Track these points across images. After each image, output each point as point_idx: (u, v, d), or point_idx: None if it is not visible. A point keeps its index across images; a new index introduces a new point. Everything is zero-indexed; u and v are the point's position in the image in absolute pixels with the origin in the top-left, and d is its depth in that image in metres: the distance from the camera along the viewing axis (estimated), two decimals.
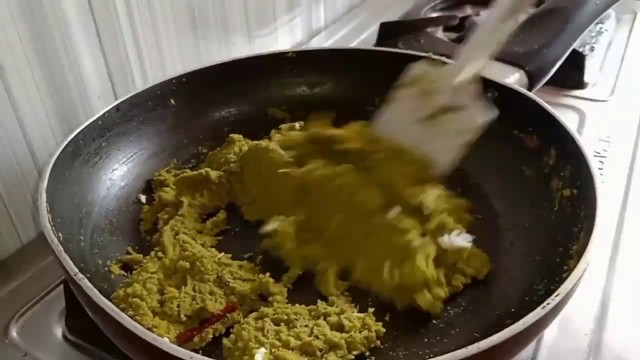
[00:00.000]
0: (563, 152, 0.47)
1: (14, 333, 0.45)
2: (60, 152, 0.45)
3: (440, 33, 0.86)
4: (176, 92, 0.56)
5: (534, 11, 0.68)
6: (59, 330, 0.45)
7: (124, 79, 0.60)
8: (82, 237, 0.44)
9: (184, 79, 0.56)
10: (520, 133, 0.51)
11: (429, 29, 0.86)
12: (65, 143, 0.46)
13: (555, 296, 0.33)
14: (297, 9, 0.86)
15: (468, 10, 0.95)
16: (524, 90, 0.53)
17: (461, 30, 0.87)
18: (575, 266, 0.35)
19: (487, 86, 0.52)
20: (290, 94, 0.62)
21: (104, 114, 0.50)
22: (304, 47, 0.87)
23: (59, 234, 0.39)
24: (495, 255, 0.45)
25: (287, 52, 0.61)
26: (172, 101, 0.56)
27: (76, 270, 0.36)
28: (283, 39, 0.84)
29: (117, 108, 0.51)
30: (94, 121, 0.49)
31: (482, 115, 0.46)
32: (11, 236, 0.53)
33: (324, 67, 0.62)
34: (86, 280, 0.35)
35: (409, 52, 0.61)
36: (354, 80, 0.61)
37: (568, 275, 0.35)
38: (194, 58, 0.68)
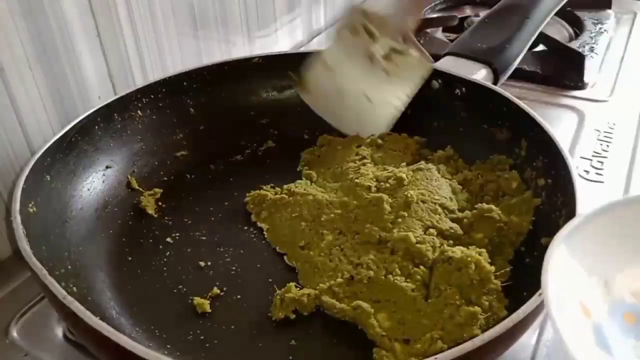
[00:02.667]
0: (534, 143, 0.48)
1: (14, 333, 0.45)
2: (36, 161, 0.44)
3: (439, 33, 0.87)
4: (146, 103, 0.55)
5: (494, 8, 0.70)
6: (59, 330, 0.45)
7: (125, 79, 0.60)
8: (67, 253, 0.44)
9: (151, 89, 0.56)
10: (490, 127, 0.52)
11: (429, 30, 0.86)
12: (37, 156, 0.45)
13: None
14: (297, 9, 0.86)
15: (467, 10, 0.95)
16: (491, 85, 0.54)
17: (461, 30, 0.87)
18: None
19: (455, 83, 0.53)
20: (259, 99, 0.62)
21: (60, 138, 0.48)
22: (303, 49, 0.87)
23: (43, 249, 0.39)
24: None
25: (253, 58, 0.61)
26: (140, 112, 0.55)
27: (64, 293, 0.34)
28: (283, 39, 0.84)
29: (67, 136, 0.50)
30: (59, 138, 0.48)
31: (426, 60, 0.49)
32: (11, 236, 0.53)
33: (291, 71, 0.61)
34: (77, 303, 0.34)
35: None
36: None
37: None
38: (194, 58, 0.68)
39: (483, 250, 0.41)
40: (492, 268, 0.39)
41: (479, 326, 0.37)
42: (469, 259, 0.39)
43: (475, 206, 0.45)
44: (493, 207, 0.44)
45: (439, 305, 0.39)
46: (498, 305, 0.38)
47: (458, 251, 0.40)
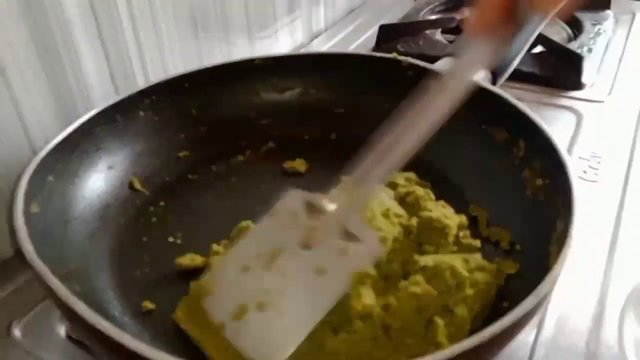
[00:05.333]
0: (532, 144, 0.48)
1: (17, 333, 0.45)
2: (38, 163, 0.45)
3: (438, 35, 0.87)
4: (147, 104, 0.56)
5: None
6: (62, 330, 0.45)
7: (126, 80, 0.60)
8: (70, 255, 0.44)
9: (153, 90, 0.56)
10: (488, 128, 0.52)
11: (428, 31, 0.87)
12: (42, 156, 0.45)
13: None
14: (298, 10, 0.86)
15: (466, 12, 0.95)
16: (490, 86, 0.54)
17: (459, 32, 0.87)
18: (558, 252, 0.36)
19: None
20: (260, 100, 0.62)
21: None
22: (303, 50, 0.88)
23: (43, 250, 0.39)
24: None
25: (254, 59, 0.61)
26: (141, 113, 0.55)
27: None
28: (284, 40, 0.85)
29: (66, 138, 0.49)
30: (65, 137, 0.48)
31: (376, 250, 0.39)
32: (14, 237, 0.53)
33: (292, 72, 0.62)
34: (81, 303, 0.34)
35: (374, 54, 0.63)
36: (322, 84, 0.62)
37: (554, 261, 0.35)
38: (195, 59, 0.68)
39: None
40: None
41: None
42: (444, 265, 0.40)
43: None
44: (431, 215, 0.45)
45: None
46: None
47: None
